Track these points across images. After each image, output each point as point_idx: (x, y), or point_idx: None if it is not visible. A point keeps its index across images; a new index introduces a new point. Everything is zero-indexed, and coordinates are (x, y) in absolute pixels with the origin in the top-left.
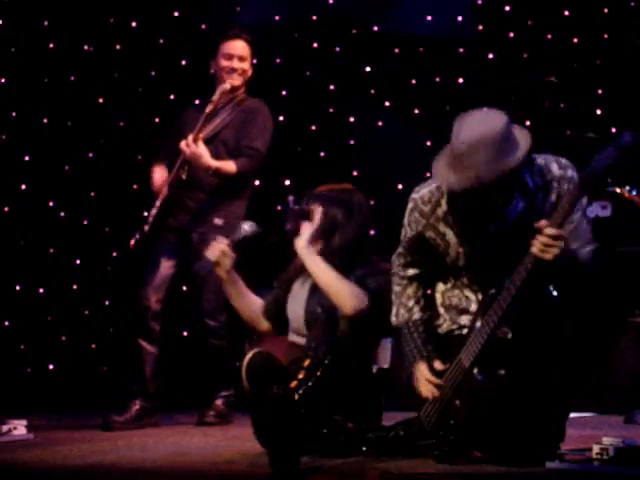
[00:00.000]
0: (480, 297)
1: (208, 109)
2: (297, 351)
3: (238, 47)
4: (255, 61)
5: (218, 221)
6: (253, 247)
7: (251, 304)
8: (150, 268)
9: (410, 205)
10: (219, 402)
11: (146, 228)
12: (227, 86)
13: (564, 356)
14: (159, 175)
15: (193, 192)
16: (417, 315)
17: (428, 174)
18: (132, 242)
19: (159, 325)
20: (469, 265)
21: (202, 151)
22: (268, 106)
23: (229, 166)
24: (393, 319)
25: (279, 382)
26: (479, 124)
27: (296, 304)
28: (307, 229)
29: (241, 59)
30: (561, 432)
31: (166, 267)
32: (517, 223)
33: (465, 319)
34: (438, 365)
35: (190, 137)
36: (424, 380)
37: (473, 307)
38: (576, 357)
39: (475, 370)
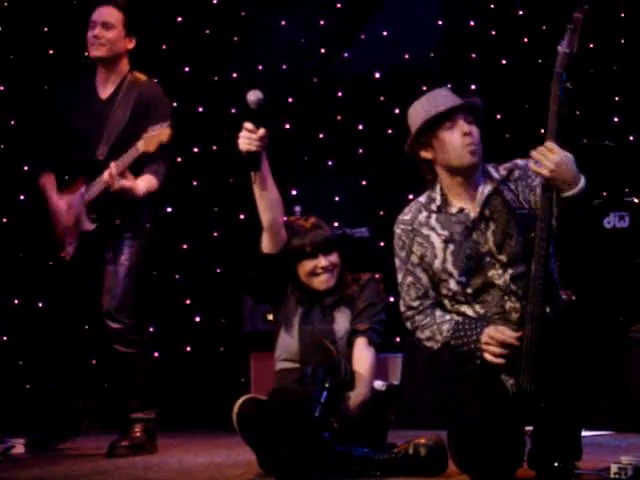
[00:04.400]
0: (478, 308)
1: (127, 160)
2: (288, 376)
3: (103, 13)
4: (261, 67)
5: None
6: (267, 114)
7: (277, 204)
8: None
9: (395, 231)
10: (137, 429)
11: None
12: (137, 151)
13: (573, 370)
14: (61, 205)
15: (105, 204)
16: (459, 317)
17: None
18: (67, 256)
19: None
20: (456, 264)
21: (130, 183)
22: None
23: (153, 184)
24: (437, 343)
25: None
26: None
27: (289, 332)
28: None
29: (105, 26)
30: (577, 450)
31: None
32: (492, 216)
33: None
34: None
35: (114, 168)
36: (500, 339)
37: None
38: (585, 371)
39: (548, 309)
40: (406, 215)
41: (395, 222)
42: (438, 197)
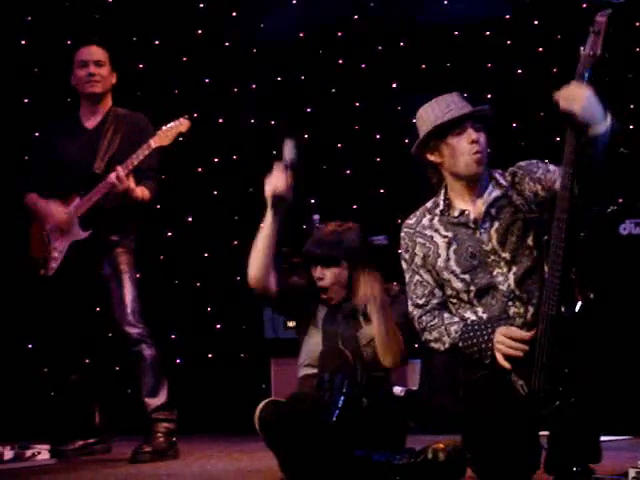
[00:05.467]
0: (480, 312)
1: (136, 159)
2: (309, 382)
3: (93, 52)
4: (279, 78)
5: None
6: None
7: (269, 260)
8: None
9: (400, 234)
10: (159, 434)
11: (55, 255)
12: (149, 147)
13: (592, 372)
14: (53, 206)
15: (99, 215)
16: (467, 320)
17: None
18: (49, 272)
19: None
20: (459, 262)
21: (134, 186)
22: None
23: (146, 195)
24: (444, 345)
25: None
26: None
27: (313, 337)
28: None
29: (98, 64)
30: (596, 454)
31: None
32: (498, 215)
33: None
34: (522, 332)
35: (121, 171)
36: (514, 336)
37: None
38: (603, 373)
39: (563, 309)
40: (411, 219)
41: (401, 226)
42: (441, 202)
